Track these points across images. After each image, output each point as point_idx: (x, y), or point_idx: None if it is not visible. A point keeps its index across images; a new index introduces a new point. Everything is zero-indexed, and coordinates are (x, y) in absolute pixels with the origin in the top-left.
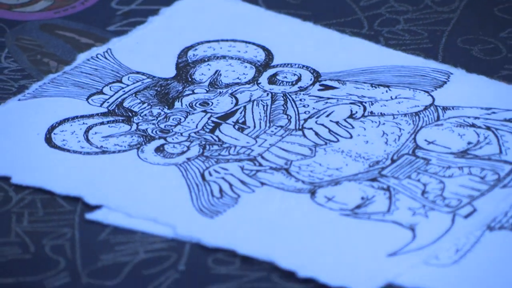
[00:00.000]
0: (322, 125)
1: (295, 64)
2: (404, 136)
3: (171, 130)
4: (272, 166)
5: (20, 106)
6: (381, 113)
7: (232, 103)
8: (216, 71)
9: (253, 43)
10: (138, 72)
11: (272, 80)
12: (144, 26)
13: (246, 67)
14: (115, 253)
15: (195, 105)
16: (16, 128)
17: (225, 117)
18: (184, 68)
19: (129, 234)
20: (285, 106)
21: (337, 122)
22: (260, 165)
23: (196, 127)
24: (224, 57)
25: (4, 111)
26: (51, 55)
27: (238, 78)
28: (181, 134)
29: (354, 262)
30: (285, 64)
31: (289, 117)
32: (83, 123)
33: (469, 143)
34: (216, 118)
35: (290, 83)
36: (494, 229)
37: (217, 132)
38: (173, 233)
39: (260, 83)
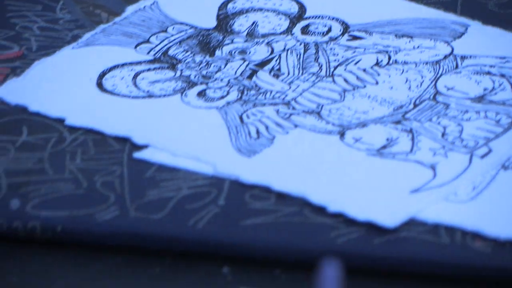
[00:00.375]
0: (351, 72)
1: (326, 16)
2: (425, 82)
3: (212, 76)
4: (305, 110)
5: (74, 54)
6: (404, 61)
7: (268, 51)
8: (254, 22)
9: None
10: (182, 23)
11: (304, 31)
12: None
13: (281, 18)
14: (160, 189)
15: (234, 53)
16: (70, 74)
17: (262, 64)
18: (224, 20)
19: (173, 171)
20: (316, 55)
21: (364, 70)
22: (294, 108)
23: (235, 73)
24: (260, 9)
25: (59, 58)
26: (102, 7)
27: (273, 29)
28: (221, 80)
29: (380, 198)
30: (316, 16)
31: (320, 65)
32: (132, 69)
33: (485, 89)
34: (254, 65)
35: (321, 34)
36: (508, 168)
37: (254, 78)
38: (214, 171)
39: (293, 33)
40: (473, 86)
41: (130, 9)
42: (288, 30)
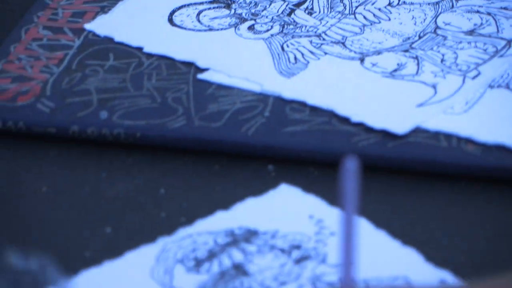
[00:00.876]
0: (369, 11)
1: None
2: (428, 19)
3: (259, 14)
4: (332, 41)
5: None
6: (411, 2)
7: None
8: None
9: None
10: None
11: None
12: None
13: None
14: (218, 103)
15: None
16: (147, 12)
17: (299, 4)
18: None
19: (229, 89)
20: None
21: (379, 9)
22: (324, 39)
23: (278, 11)
24: None
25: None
26: None
27: None
28: (267, 17)
29: (392, 111)
30: None
31: (344, 5)
32: (195, 8)
33: (475, 24)
34: (292, 5)
35: None
36: (493, 87)
37: (292, 16)
38: (261, 89)
39: None
40: (466, 22)
41: None
42: None
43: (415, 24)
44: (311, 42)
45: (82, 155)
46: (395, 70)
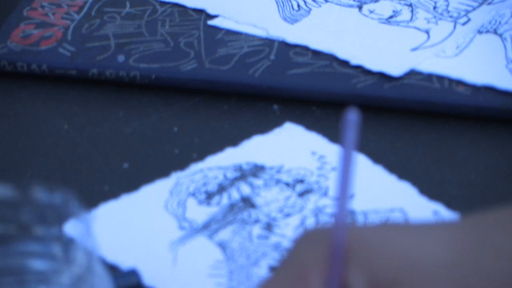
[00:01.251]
0: None
1: None
2: None
3: None
4: None
5: None
6: None
7: None
8: None
9: None
10: None
11: None
12: None
13: None
14: (227, 47)
15: None
16: None
17: None
18: None
19: (237, 34)
20: None
21: None
22: None
23: None
24: None
25: None
26: None
27: None
28: None
29: (388, 55)
30: None
31: None
32: None
33: None
34: None
35: None
36: (482, 33)
37: None
38: (267, 34)
39: None
40: None
41: None
42: None
43: None
44: None
45: (100, 96)
46: (391, 17)
